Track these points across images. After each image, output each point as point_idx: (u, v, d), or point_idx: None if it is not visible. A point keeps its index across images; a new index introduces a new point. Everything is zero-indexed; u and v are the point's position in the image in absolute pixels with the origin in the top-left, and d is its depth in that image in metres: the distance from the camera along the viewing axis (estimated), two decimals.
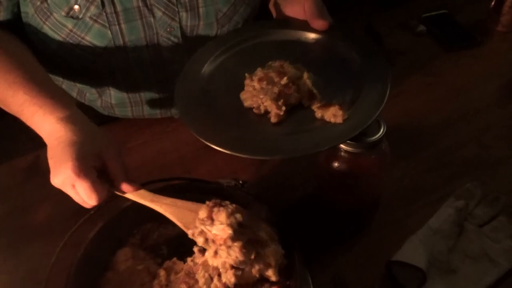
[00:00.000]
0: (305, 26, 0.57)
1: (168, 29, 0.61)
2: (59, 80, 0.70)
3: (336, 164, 0.49)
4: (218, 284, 0.43)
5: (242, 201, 0.49)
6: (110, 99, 0.69)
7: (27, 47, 0.58)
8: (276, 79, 0.49)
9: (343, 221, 0.56)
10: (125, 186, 0.46)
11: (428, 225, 0.54)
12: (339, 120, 0.45)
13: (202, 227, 0.42)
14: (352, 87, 0.49)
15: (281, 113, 0.47)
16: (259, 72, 0.51)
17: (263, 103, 0.48)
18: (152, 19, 0.59)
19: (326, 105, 0.47)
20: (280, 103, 0.47)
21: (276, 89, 0.48)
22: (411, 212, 0.57)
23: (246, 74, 0.51)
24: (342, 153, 0.48)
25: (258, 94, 0.48)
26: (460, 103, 0.72)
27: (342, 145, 0.47)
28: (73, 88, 0.71)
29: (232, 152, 0.44)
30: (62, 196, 0.46)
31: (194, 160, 0.66)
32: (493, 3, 0.86)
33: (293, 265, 0.44)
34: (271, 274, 0.43)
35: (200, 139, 0.45)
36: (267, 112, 0.48)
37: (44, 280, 0.44)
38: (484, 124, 0.68)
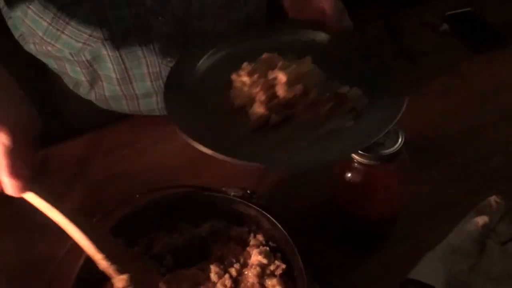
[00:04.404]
0: (322, 27, 0.53)
1: (159, 19, 0.59)
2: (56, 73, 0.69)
3: (350, 176, 0.47)
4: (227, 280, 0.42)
5: (251, 213, 0.48)
6: (104, 91, 0.68)
7: None
8: (267, 71, 0.44)
9: (357, 235, 0.53)
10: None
11: (447, 242, 0.51)
12: (360, 104, 0.41)
13: None
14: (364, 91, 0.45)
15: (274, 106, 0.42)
16: (246, 66, 0.46)
17: (257, 98, 0.42)
18: (141, 7, 0.58)
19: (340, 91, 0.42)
20: (273, 93, 0.43)
21: (271, 76, 0.43)
22: (430, 227, 0.54)
23: (233, 73, 0.46)
24: (356, 165, 0.46)
25: (250, 89, 0.44)
26: (486, 110, 0.68)
27: (356, 157, 0.45)
28: (69, 81, 0.70)
29: (220, 155, 0.39)
30: (70, 197, 0.45)
31: (203, 163, 0.64)
32: None
33: (302, 281, 0.42)
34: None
35: (184, 137, 0.40)
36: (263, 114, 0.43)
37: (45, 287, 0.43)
38: (511, 133, 0.64)
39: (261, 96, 0.43)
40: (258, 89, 0.43)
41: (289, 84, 0.43)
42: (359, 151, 0.44)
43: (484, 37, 0.80)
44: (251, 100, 0.44)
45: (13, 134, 0.37)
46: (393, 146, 0.44)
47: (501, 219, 0.53)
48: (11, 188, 0.38)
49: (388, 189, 0.48)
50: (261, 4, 0.67)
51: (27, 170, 0.38)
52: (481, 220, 0.51)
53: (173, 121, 0.42)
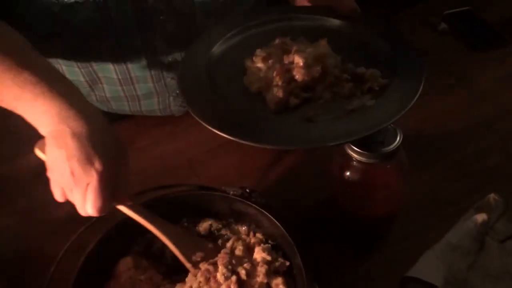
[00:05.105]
0: (330, 13, 0.53)
1: (162, 17, 0.59)
2: None
3: (348, 174, 0.47)
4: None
5: (250, 211, 0.48)
6: (104, 92, 0.68)
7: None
8: (282, 56, 0.44)
9: (356, 233, 0.53)
10: (127, 199, 0.43)
11: (446, 240, 0.51)
12: (377, 84, 0.41)
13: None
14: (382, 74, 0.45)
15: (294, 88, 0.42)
16: (260, 52, 0.46)
17: (274, 82, 0.42)
18: (144, 5, 0.57)
19: (358, 71, 0.43)
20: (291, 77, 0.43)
21: (287, 60, 0.43)
22: (429, 224, 0.54)
23: (246, 59, 0.47)
24: (355, 163, 0.46)
25: (265, 75, 0.44)
26: (485, 108, 0.68)
27: (354, 155, 0.45)
28: None
29: (242, 140, 0.39)
30: None
31: (202, 163, 0.65)
32: None
33: (302, 279, 0.42)
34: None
35: (206, 125, 0.40)
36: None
37: (44, 287, 0.44)
38: (510, 132, 0.64)
39: (279, 81, 0.43)
40: (274, 74, 0.43)
41: (307, 67, 0.43)
42: (358, 150, 0.44)
43: (483, 36, 0.80)
44: (268, 85, 0.44)
45: (108, 165, 0.40)
46: (391, 144, 0.44)
47: (500, 217, 0.53)
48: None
49: (386, 187, 0.49)
50: (260, 1, 0.67)
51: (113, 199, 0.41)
52: (480, 218, 0.51)
53: (195, 113, 0.42)
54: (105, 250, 0.46)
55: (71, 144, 0.39)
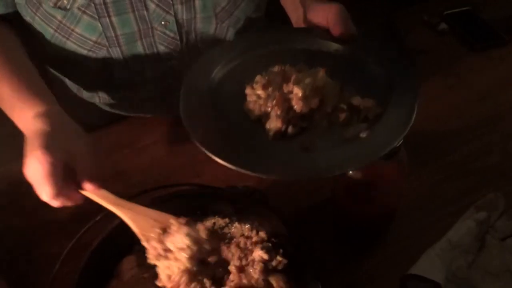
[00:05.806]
0: (328, 36, 0.53)
1: (163, 23, 0.59)
2: (58, 76, 0.70)
3: (350, 173, 0.47)
4: None
5: (253, 210, 0.48)
6: (107, 95, 0.68)
7: (21, 40, 0.58)
8: (282, 83, 0.45)
9: (357, 231, 0.54)
10: (87, 185, 0.44)
11: (446, 238, 0.51)
12: (372, 114, 0.43)
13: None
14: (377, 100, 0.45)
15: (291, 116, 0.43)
16: (260, 79, 0.46)
17: (273, 112, 0.43)
18: (145, 12, 0.58)
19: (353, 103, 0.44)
20: (289, 106, 0.43)
21: (286, 89, 0.44)
22: (429, 223, 0.54)
23: (246, 85, 0.47)
24: None
25: (265, 102, 0.45)
26: (485, 108, 0.68)
27: None
28: (72, 86, 0.70)
29: (237, 168, 0.40)
30: None
31: (204, 162, 0.64)
32: None
33: (304, 277, 0.42)
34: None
35: (203, 149, 0.42)
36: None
37: (47, 286, 0.44)
38: (509, 131, 0.65)
39: (277, 110, 0.43)
40: (273, 103, 0.44)
41: (305, 98, 0.43)
42: None
43: (482, 36, 0.80)
44: (267, 113, 0.44)
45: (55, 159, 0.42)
46: None
47: (500, 215, 0.53)
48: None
49: (387, 186, 0.49)
50: (260, 6, 0.67)
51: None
52: (481, 216, 0.52)
53: (193, 137, 0.43)
54: (108, 249, 0.46)
55: (29, 146, 0.44)
